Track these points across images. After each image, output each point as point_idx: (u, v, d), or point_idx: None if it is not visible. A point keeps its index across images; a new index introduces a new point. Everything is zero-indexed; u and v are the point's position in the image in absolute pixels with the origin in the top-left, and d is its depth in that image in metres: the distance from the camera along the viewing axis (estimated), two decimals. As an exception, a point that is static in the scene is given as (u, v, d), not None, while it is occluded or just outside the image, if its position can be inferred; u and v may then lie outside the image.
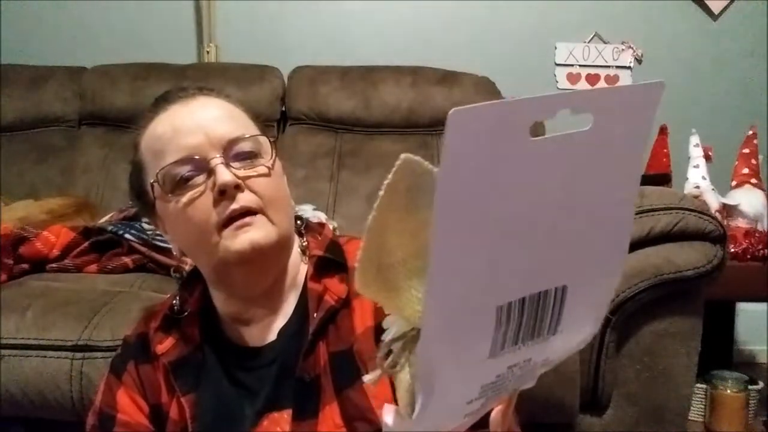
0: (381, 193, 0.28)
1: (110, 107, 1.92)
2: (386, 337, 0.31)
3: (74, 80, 1.97)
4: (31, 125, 1.94)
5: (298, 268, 0.75)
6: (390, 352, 0.32)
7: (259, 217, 0.66)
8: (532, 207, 0.25)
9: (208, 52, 2.16)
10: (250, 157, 0.69)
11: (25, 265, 1.30)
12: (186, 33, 2.20)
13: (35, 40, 2.19)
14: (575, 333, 0.31)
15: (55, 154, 1.90)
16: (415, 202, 0.28)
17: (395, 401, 0.33)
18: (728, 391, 1.50)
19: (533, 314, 0.28)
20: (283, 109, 1.98)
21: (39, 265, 1.32)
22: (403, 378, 0.31)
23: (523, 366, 0.30)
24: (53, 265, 1.32)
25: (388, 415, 0.33)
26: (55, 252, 1.32)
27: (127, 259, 1.32)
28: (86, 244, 1.34)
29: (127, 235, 1.34)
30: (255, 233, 0.65)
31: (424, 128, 1.92)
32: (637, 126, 0.27)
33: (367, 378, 0.35)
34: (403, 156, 0.28)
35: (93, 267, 1.33)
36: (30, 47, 2.17)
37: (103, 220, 1.52)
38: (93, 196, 1.81)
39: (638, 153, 0.28)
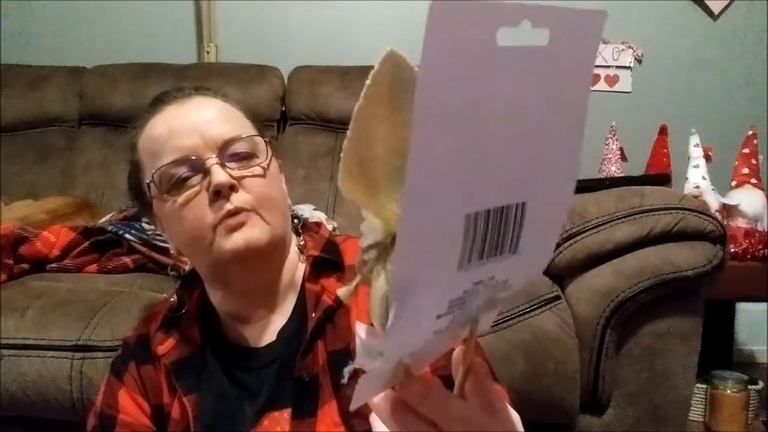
0: (367, 82, 0.28)
1: (110, 107, 1.92)
2: (363, 243, 0.31)
3: (74, 80, 1.97)
4: (31, 125, 1.94)
5: (296, 267, 0.75)
6: (365, 261, 0.32)
7: (254, 216, 0.67)
8: (497, 116, 0.26)
9: (208, 52, 2.16)
10: (246, 157, 0.69)
11: (25, 265, 1.30)
12: (186, 33, 2.20)
13: (35, 40, 2.19)
14: (532, 256, 0.32)
15: (55, 154, 1.91)
16: (398, 98, 0.28)
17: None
18: (728, 391, 1.51)
19: (497, 228, 0.28)
20: (283, 109, 1.98)
21: (39, 265, 1.32)
22: (378, 287, 0.31)
23: (487, 284, 0.30)
24: (53, 265, 1.32)
25: (360, 330, 0.33)
26: (55, 252, 1.32)
27: (127, 259, 1.32)
28: (86, 244, 1.34)
29: (127, 235, 1.34)
30: (249, 232, 0.66)
31: (424, 128, 1.91)
32: (584, 50, 0.29)
33: (340, 291, 0.35)
34: (388, 48, 0.28)
35: (93, 267, 1.33)
36: (30, 47, 2.17)
37: (103, 220, 1.52)
38: (93, 196, 1.81)
39: (586, 80, 0.30)
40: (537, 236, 0.31)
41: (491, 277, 0.30)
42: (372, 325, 0.32)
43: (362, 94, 0.28)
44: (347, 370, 0.34)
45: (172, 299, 0.76)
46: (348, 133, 0.28)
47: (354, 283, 0.33)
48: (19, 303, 1.10)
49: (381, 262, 0.31)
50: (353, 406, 0.35)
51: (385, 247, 0.30)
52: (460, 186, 0.26)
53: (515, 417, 0.39)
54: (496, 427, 0.36)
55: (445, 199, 0.26)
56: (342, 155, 0.29)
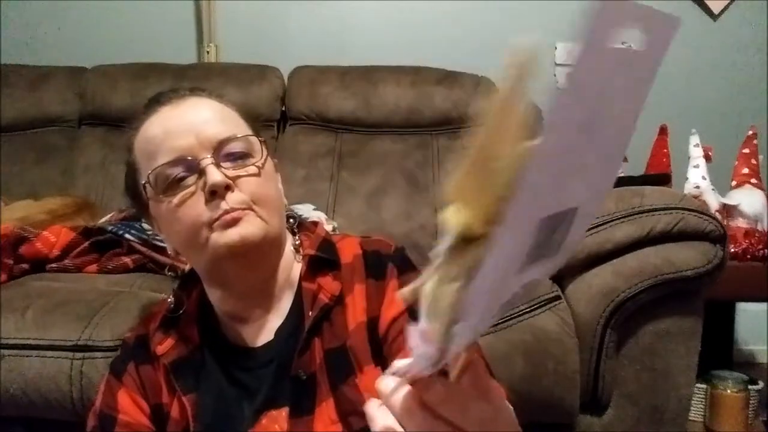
0: (508, 74, 0.26)
1: (110, 107, 1.92)
2: (442, 246, 0.30)
3: (74, 80, 1.97)
4: (31, 125, 1.94)
5: (292, 266, 0.76)
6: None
7: (250, 213, 0.67)
8: (598, 120, 0.25)
9: (208, 52, 2.16)
10: (241, 157, 0.70)
11: (25, 265, 1.30)
12: (186, 33, 2.20)
13: (35, 40, 2.19)
14: (560, 258, 0.31)
15: (55, 154, 1.90)
16: (524, 96, 0.26)
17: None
18: (728, 391, 1.50)
19: (550, 233, 0.27)
20: (283, 109, 1.98)
21: (39, 265, 1.32)
22: (450, 293, 0.29)
23: (525, 286, 0.30)
24: (53, 265, 1.32)
25: (414, 337, 0.32)
26: (55, 252, 1.32)
27: (127, 259, 1.32)
28: (86, 244, 1.34)
29: (127, 235, 1.34)
30: (244, 228, 0.66)
31: (424, 128, 1.92)
32: (657, 54, 0.27)
33: (403, 291, 0.33)
34: (528, 41, 0.26)
35: (93, 267, 1.33)
36: (30, 47, 2.17)
37: (103, 220, 1.52)
38: (93, 196, 1.81)
39: (650, 83, 0.28)
40: (571, 241, 0.30)
41: (531, 281, 0.30)
42: (416, 325, 0.32)
43: (502, 87, 0.26)
44: (390, 371, 0.33)
45: (169, 300, 0.77)
46: (480, 129, 0.27)
47: (418, 283, 0.32)
48: (19, 303, 1.10)
49: (454, 267, 0.29)
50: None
51: (458, 248, 0.29)
52: (550, 191, 0.25)
53: (512, 413, 0.39)
54: (499, 426, 0.36)
55: (539, 204, 0.25)
56: (469, 153, 0.27)
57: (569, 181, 0.26)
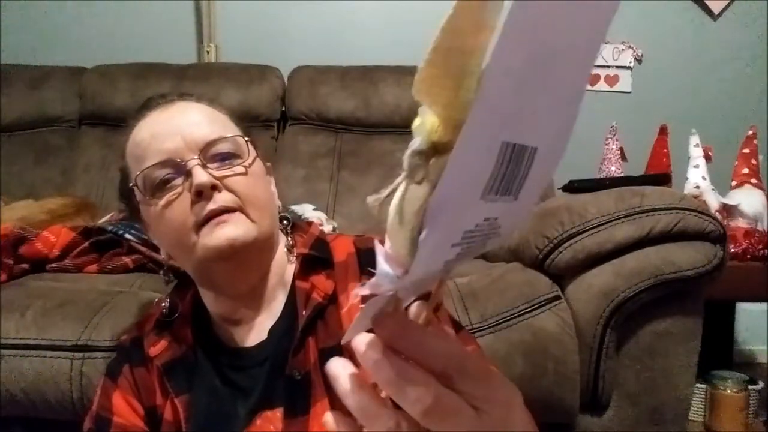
0: None
1: (110, 107, 1.92)
2: (413, 146, 0.29)
3: (74, 80, 1.98)
4: (31, 125, 1.94)
5: (285, 267, 0.76)
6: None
7: (238, 215, 0.67)
8: (542, 53, 0.26)
9: (208, 52, 2.16)
10: (229, 157, 0.70)
11: (25, 265, 1.30)
12: (186, 33, 2.20)
13: (35, 40, 2.19)
14: (524, 205, 0.31)
15: (55, 154, 1.91)
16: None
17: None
18: (728, 391, 1.51)
19: (513, 166, 0.28)
20: (283, 109, 1.98)
21: (39, 265, 1.32)
22: (419, 196, 0.29)
23: (490, 225, 0.30)
24: (53, 265, 1.31)
25: (380, 253, 0.31)
26: (55, 252, 1.32)
27: (127, 259, 1.32)
28: (86, 244, 1.34)
29: (127, 235, 1.34)
30: (232, 229, 0.66)
31: (424, 128, 1.92)
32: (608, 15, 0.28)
33: (371, 199, 0.32)
34: None
35: (93, 267, 1.33)
36: (30, 47, 2.17)
37: (103, 220, 1.52)
38: (93, 196, 1.81)
39: (605, 24, 0.28)
40: (533, 186, 0.30)
41: (495, 217, 0.30)
42: (385, 245, 0.31)
43: None
44: (354, 293, 0.32)
45: (164, 304, 0.77)
46: (443, 20, 0.27)
47: (384, 193, 0.31)
48: (19, 303, 1.10)
49: (423, 170, 0.29)
50: (347, 338, 0.33)
51: (428, 155, 0.29)
52: (513, 109, 0.25)
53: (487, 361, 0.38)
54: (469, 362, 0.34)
55: (501, 117, 0.25)
56: (431, 42, 0.27)
57: (526, 114, 0.27)
